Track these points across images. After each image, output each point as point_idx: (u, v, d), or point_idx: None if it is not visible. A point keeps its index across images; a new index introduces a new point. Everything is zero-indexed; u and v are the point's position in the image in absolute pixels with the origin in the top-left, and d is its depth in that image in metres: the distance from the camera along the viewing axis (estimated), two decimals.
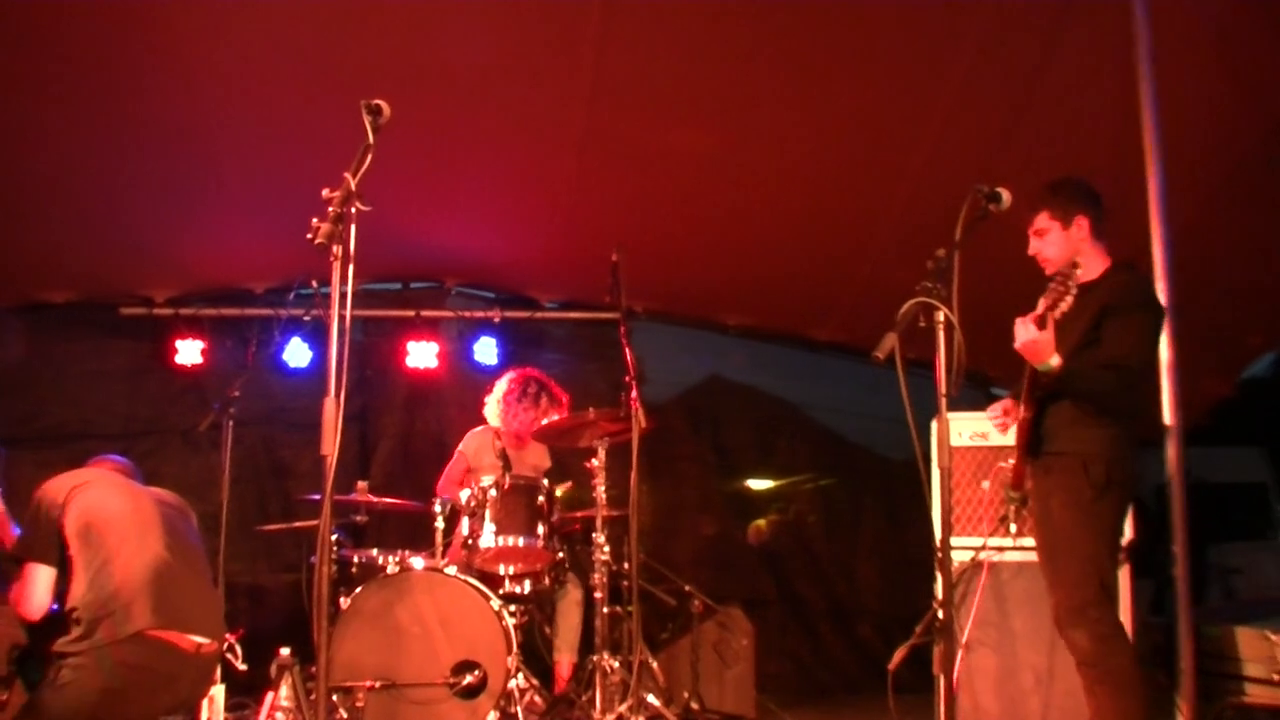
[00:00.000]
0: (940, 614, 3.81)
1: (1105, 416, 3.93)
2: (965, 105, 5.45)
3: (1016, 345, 3.77)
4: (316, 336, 7.51)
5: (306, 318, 7.40)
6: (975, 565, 4.90)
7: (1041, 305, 3.72)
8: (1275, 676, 4.90)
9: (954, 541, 4.77)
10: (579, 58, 5.30)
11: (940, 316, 3.36)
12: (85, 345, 7.92)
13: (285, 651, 5.06)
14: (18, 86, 5.33)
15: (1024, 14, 4.96)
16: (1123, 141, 4.72)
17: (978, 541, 4.90)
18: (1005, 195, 3.52)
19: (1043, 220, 4.10)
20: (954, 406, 3.53)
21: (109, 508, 4.07)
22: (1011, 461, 4.26)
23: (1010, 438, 4.80)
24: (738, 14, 5.05)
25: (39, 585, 3.95)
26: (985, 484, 4.97)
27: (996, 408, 4.30)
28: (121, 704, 3.76)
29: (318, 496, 3.59)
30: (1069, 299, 3.69)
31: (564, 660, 6.02)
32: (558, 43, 5.24)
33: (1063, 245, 4.08)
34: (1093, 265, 4.09)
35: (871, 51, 5.28)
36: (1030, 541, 4.84)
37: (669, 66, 5.40)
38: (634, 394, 5.15)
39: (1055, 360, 3.82)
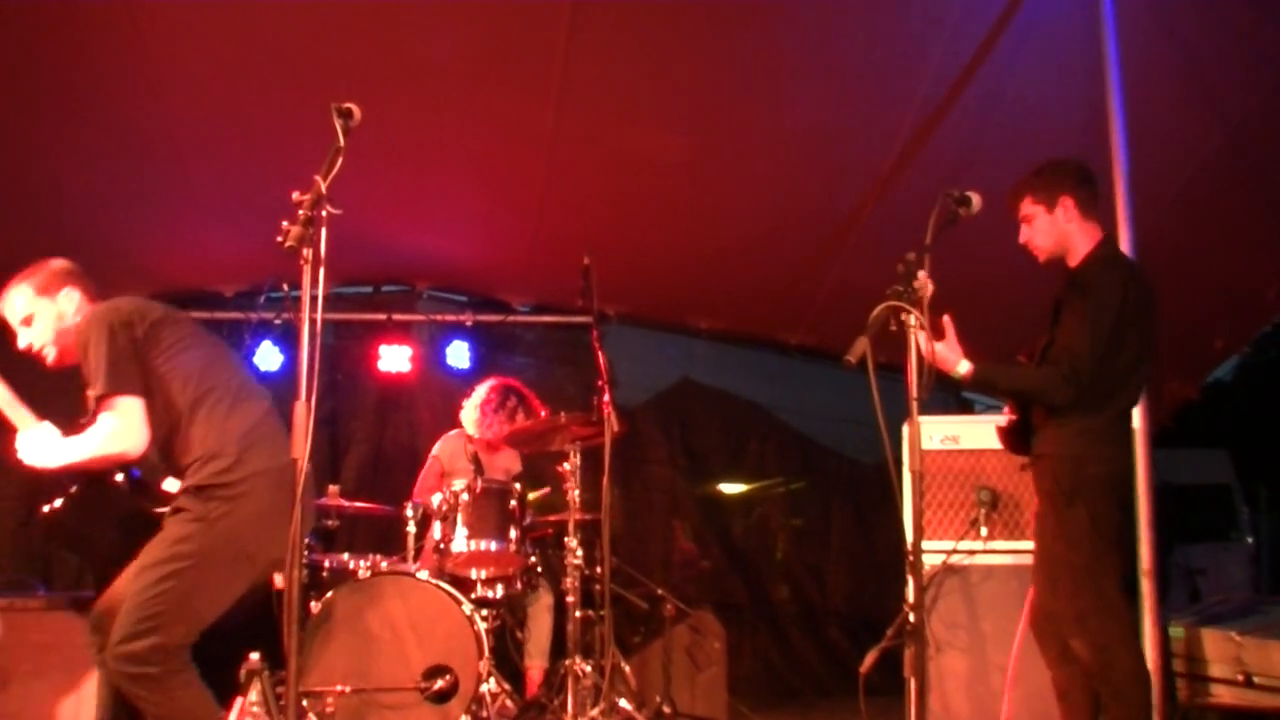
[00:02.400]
0: (911, 617, 3.82)
1: (1069, 414, 3.84)
2: (933, 109, 5.48)
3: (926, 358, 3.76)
4: (287, 340, 7.47)
5: (277, 321, 7.38)
6: (949, 569, 4.93)
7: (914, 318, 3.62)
8: (1240, 677, 4.95)
9: (925, 545, 4.80)
10: (548, 61, 5.30)
11: (911, 320, 3.38)
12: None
13: (254, 656, 5.02)
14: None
15: (990, 18, 5.00)
16: (1088, 145, 4.76)
17: (948, 545, 4.93)
18: (975, 199, 3.53)
19: (1027, 206, 4.02)
20: (925, 410, 3.55)
21: (202, 339, 3.96)
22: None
23: (985, 441, 4.86)
24: (706, 18, 5.06)
25: (140, 417, 3.66)
26: (988, 490, 4.97)
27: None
28: (279, 528, 3.72)
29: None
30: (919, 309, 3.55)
31: (535, 666, 6.01)
32: (527, 46, 5.24)
33: (1050, 230, 4.01)
34: (1079, 249, 4.01)
35: (840, 57, 5.31)
36: (1002, 545, 4.90)
37: (638, 70, 5.42)
38: (606, 398, 5.15)
39: (963, 367, 3.84)
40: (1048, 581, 3.98)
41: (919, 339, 3.40)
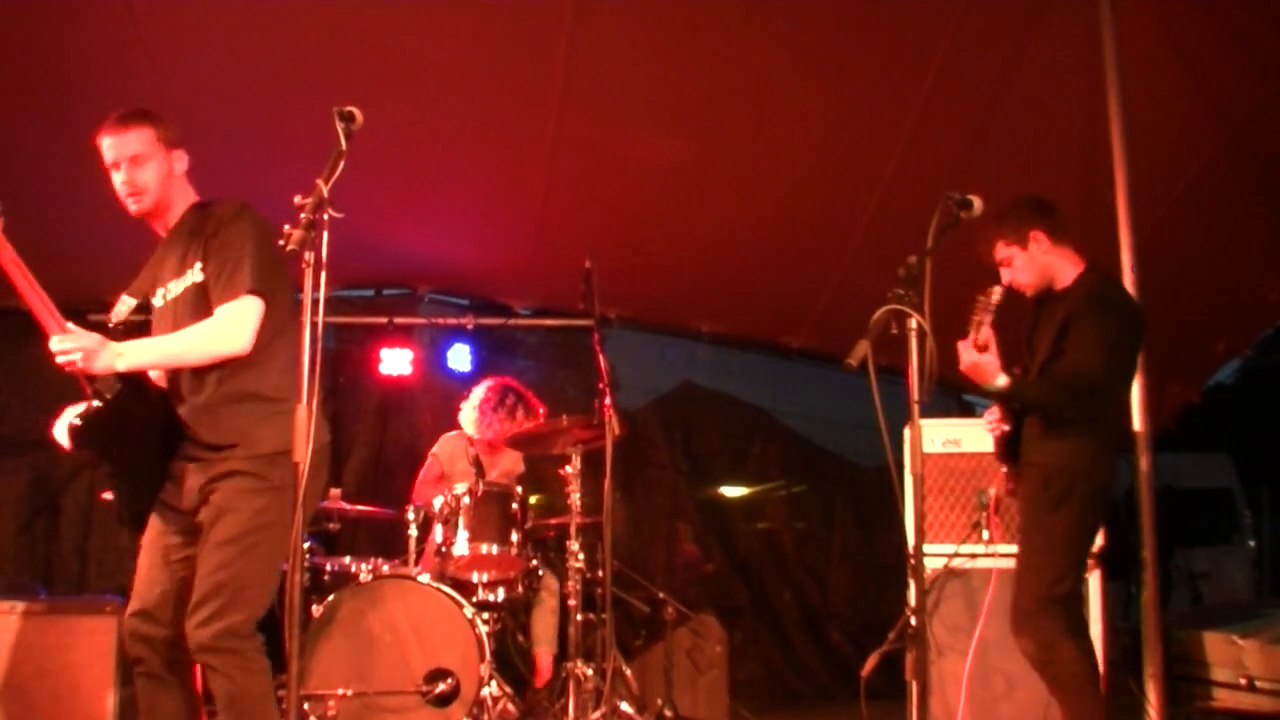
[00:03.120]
0: (913, 620, 3.82)
1: (1069, 428, 3.99)
2: (935, 113, 5.48)
3: (961, 368, 3.84)
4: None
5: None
6: (951, 573, 4.93)
7: (971, 329, 3.82)
8: (1242, 681, 4.95)
9: (926, 548, 4.79)
10: (550, 64, 5.31)
11: (912, 323, 3.37)
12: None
13: None
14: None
15: (992, 23, 5.00)
16: (1090, 149, 4.77)
17: (950, 548, 4.93)
18: (976, 202, 3.54)
19: (1001, 250, 4.17)
20: (926, 413, 3.54)
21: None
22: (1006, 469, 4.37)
23: (986, 444, 4.86)
24: (708, 22, 5.06)
25: (256, 322, 3.51)
26: (991, 491, 4.99)
27: (993, 412, 4.31)
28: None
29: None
30: (989, 318, 3.81)
31: (544, 652, 6.00)
32: (529, 49, 5.25)
33: (1030, 266, 4.15)
34: (1065, 273, 4.15)
35: (842, 60, 5.31)
36: (1004, 548, 4.90)
37: (640, 74, 5.42)
38: (607, 401, 5.15)
39: (1001, 380, 3.91)
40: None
41: (919, 344, 3.40)
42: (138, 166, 3.63)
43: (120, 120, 3.67)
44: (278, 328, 3.59)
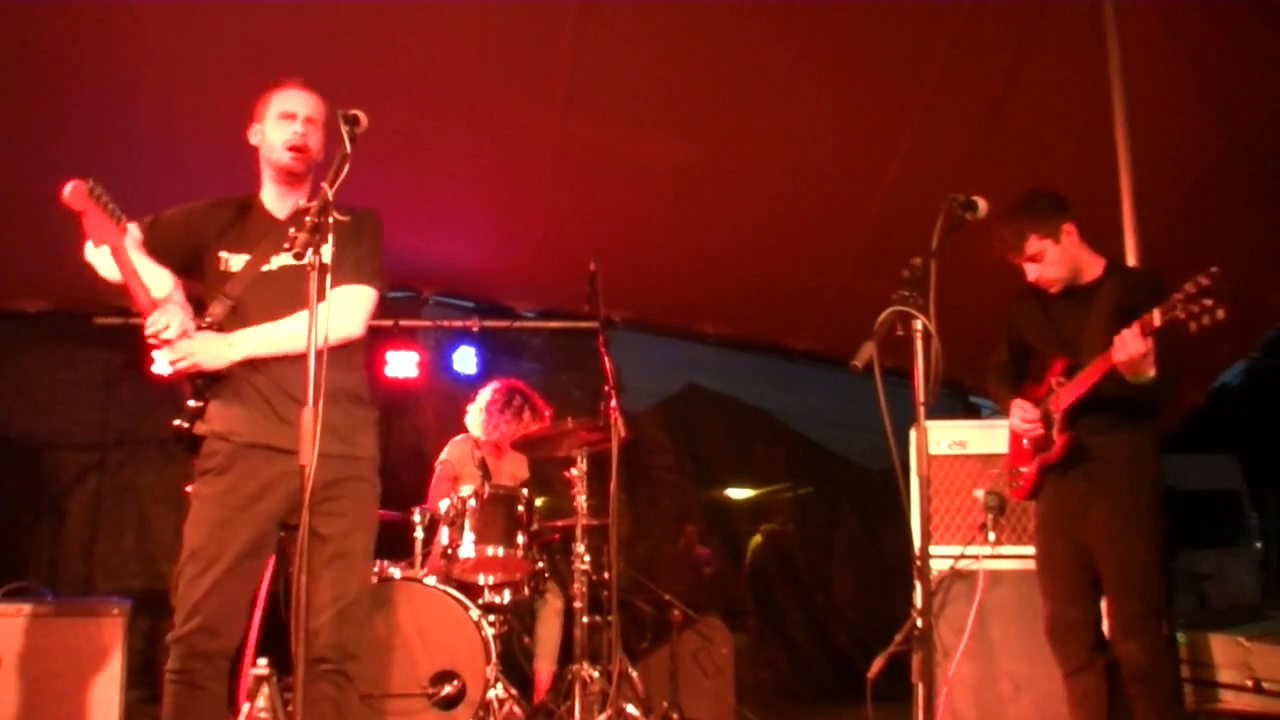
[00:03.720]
0: (919, 622, 3.81)
1: (1139, 419, 3.96)
2: (938, 114, 5.48)
3: (1119, 358, 3.71)
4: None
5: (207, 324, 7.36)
6: (957, 574, 4.92)
7: (1158, 315, 3.62)
8: (1249, 683, 4.93)
9: (932, 550, 4.78)
10: (553, 67, 5.31)
11: (918, 325, 3.37)
12: (58, 354, 7.89)
13: (262, 662, 5.03)
14: None
15: (995, 24, 5.00)
16: (1094, 151, 4.76)
17: (956, 550, 4.93)
18: (981, 204, 3.52)
19: (1034, 245, 4.05)
20: (932, 415, 3.53)
21: None
22: (1025, 470, 4.25)
23: (992, 445, 4.85)
24: (711, 24, 5.07)
25: (370, 312, 3.62)
26: (979, 493, 4.97)
27: (1030, 411, 4.19)
28: None
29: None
30: (1224, 306, 3.53)
31: (543, 669, 6.01)
32: (531, 52, 5.25)
33: (1062, 259, 4.06)
34: (1091, 265, 4.11)
35: (844, 61, 5.31)
36: (1010, 550, 4.89)
37: (643, 76, 5.42)
38: (613, 403, 5.15)
39: (1152, 371, 3.74)
40: (1073, 589, 4.02)
41: (925, 345, 3.40)
42: (314, 127, 3.60)
43: (307, 84, 3.66)
44: (367, 336, 3.65)
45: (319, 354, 3.35)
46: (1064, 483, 4.10)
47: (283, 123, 3.58)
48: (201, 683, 3.42)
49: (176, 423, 3.56)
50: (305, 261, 3.10)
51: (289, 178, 3.62)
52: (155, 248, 3.63)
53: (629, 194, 6.41)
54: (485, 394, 6.43)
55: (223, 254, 3.62)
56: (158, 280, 3.51)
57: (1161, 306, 3.62)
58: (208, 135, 5.80)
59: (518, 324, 8.37)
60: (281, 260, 3.54)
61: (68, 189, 3.28)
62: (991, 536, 4.89)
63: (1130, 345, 3.67)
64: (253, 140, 3.69)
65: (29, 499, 7.62)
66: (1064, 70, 5.19)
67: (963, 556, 4.90)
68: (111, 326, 7.92)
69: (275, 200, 3.69)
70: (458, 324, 8.21)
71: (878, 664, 4.39)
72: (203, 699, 3.43)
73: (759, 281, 7.42)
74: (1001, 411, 4.45)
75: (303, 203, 3.51)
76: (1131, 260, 4.79)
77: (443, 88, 5.48)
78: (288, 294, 3.47)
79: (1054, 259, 4.06)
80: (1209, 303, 3.53)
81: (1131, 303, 3.83)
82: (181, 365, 3.44)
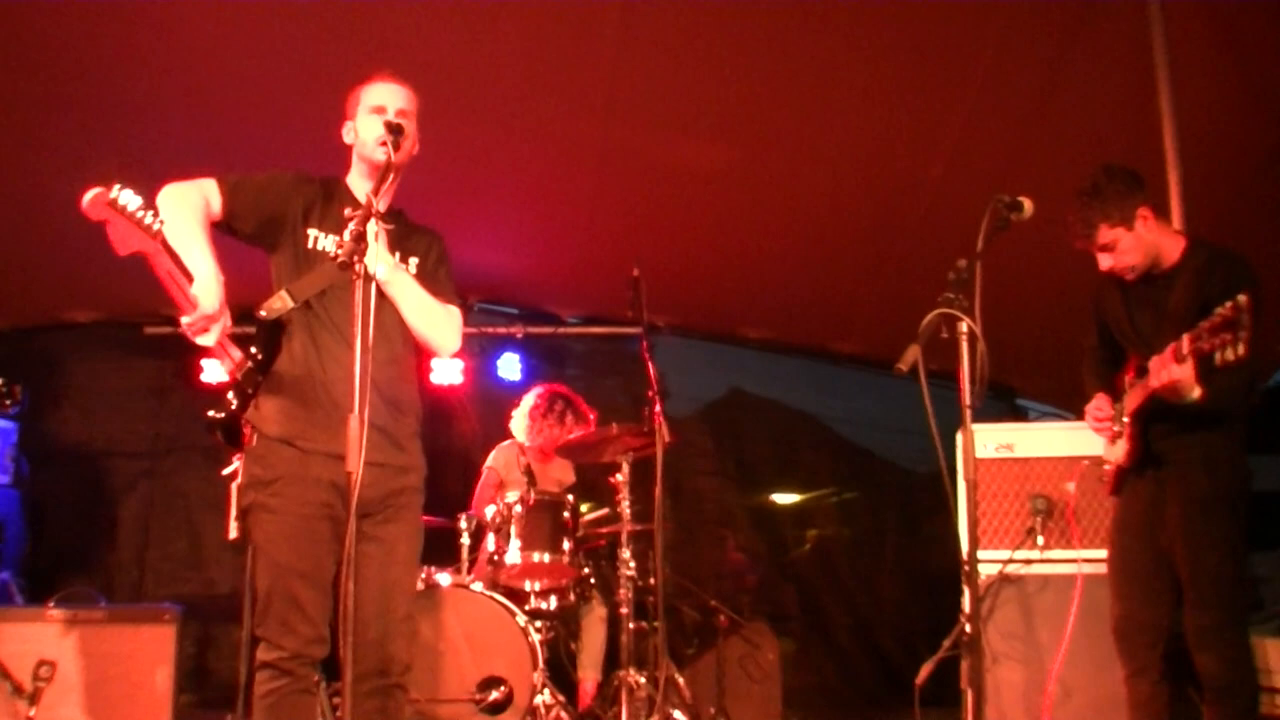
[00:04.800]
0: (968, 628, 3.78)
1: (1212, 421, 3.77)
2: (982, 115, 5.44)
3: (1156, 384, 3.63)
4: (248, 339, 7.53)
5: (264, 314, 7.42)
6: (1005, 579, 4.88)
7: (1187, 342, 3.51)
8: None
9: (980, 554, 4.75)
10: (596, 73, 5.32)
11: (963, 327, 3.34)
12: (109, 364, 8.00)
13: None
14: (34, 108, 5.39)
15: (1039, 23, 4.96)
16: (1140, 148, 4.71)
17: (1005, 554, 4.88)
18: (1027, 204, 3.48)
19: (1105, 234, 3.81)
20: (978, 418, 3.50)
21: None
22: (1108, 466, 4.11)
23: (1039, 449, 4.79)
24: (753, 28, 5.06)
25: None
26: (1070, 486, 4.89)
27: (1104, 409, 4.05)
28: None
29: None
30: (1243, 338, 3.36)
31: (588, 678, 6.01)
32: (574, 60, 5.27)
33: (1138, 247, 3.82)
34: (1170, 248, 3.87)
35: (886, 62, 5.28)
36: (1057, 554, 4.83)
37: (685, 81, 5.42)
38: (657, 408, 5.15)
39: (1196, 393, 3.62)
40: (1148, 591, 3.91)
41: (970, 348, 3.37)
42: (405, 118, 3.53)
43: (397, 76, 3.62)
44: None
45: (394, 361, 3.45)
46: (1139, 484, 3.97)
47: (374, 117, 3.50)
48: (310, 686, 3.39)
49: (213, 414, 3.39)
50: (353, 268, 3.06)
51: (391, 169, 3.44)
52: (235, 210, 3.54)
53: (672, 199, 6.41)
54: (529, 399, 6.45)
55: (311, 231, 3.52)
56: (206, 282, 3.30)
57: (1190, 334, 3.50)
58: (251, 147, 5.86)
59: (561, 330, 8.39)
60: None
61: (86, 198, 3.18)
62: (1040, 540, 4.85)
63: (1167, 371, 3.56)
64: (346, 139, 3.64)
65: (82, 506, 7.73)
66: (1109, 67, 5.13)
67: (1011, 561, 4.85)
68: (161, 335, 8.02)
69: (363, 192, 3.55)
70: (502, 331, 8.25)
71: (926, 670, 4.37)
72: (310, 701, 3.41)
73: (803, 285, 7.39)
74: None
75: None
76: None
77: (486, 96, 5.50)
78: (384, 296, 3.46)
79: (1128, 247, 3.81)
80: (1228, 336, 3.38)
81: (1205, 296, 3.64)
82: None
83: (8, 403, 4.82)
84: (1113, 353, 4.18)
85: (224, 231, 3.56)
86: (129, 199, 3.18)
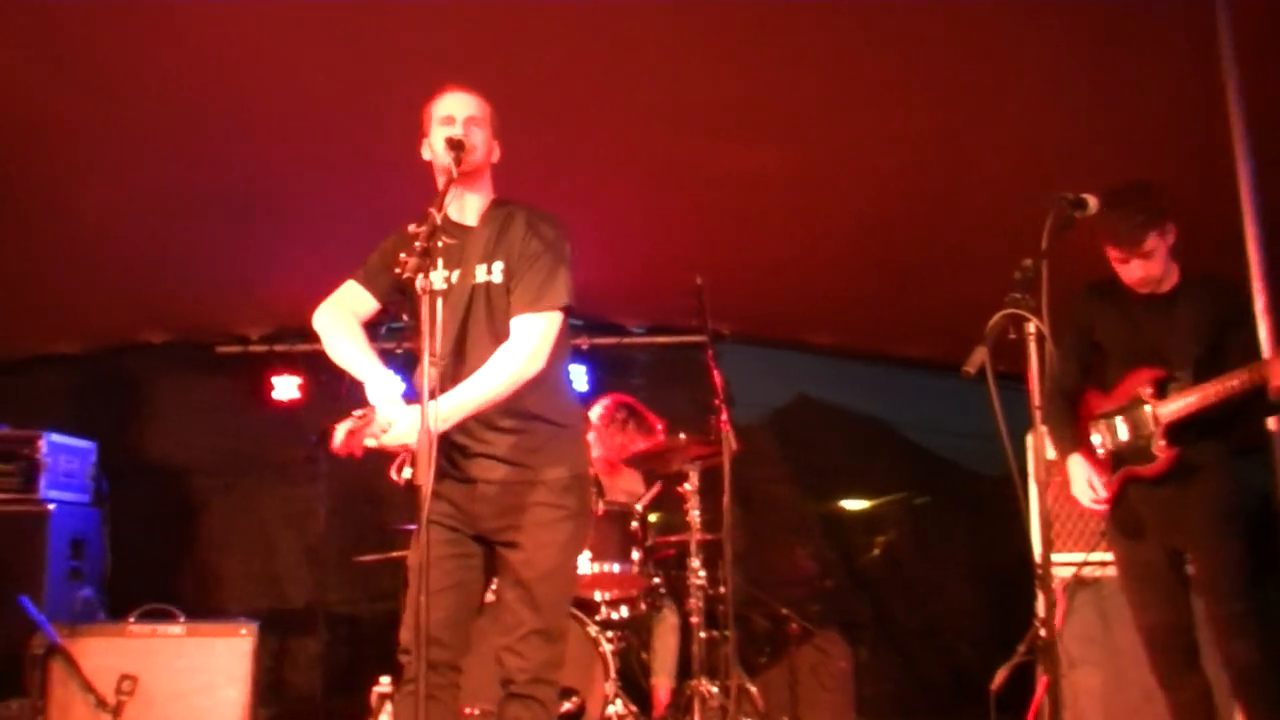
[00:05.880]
0: (1042, 633, 3.75)
1: (1236, 423, 3.88)
2: (1045, 111, 5.37)
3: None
4: (408, 368, 7.59)
5: (398, 350, 7.52)
6: (1080, 582, 4.81)
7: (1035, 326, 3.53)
8: None
9: (1054, 557, 4.69)
10: (651, 82, 5.32)
11: (1030, 328, 3.31)
12: (183, 383, 8.15)
13: (385, 680, 5.13)
14: (107, 133, 5.50)
15: (1101, 17, 4.88)
16: (1207, 140, 4.61)
17: (1079, 557, 4.82)
18: (1091, 201, 3.45)
19: (1151, 242, 3.92)
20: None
21: None
22: (1101, 480, 4.14)
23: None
24: (809, 32, 5.03)
25: (553, 338, 3.53)
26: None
27: (1098, 480, 4.14)
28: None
29: (414, 526, 3.61)
30: None
31: (661, 684, 6.00)
32: (628, 69, 5.27)
33: (1164, 259, 3.98)
34: (1171, 272, 4.04)
35: (945, 63, 5.23)
36: None
37: (741, 86, 5.40)
38: (724, 417, 5.15)
39: None
40: (1172, 595, 3.98)
41: (1038, 348, 3.34)
42: (475, 126, 3.58)
43: (464, 85, 3.66)
44: (562, 350, 3.63)
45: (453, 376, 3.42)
46: (1155, 489, 4.00)
47: (443, 128, 3.55)
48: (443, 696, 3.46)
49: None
50: (481, 280, 3.13)
51: (463, 181, 3.51)
52: (380, 295, 3.70)
53: (732, 206, 6.40)
54: (595, 411, 6.47)
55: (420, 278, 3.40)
56: (382, 384, 3.43)
57: None
58: (315, 166, 5.95)
59: (626, 340, 8.40)
60: (477, 278, 3.55)
61: (338, 443, 3.33)
62: None
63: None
64: (424, 156, 3.67)
65: (160, 523, 7.87)
66: (1174, 59, 5.04)
67: (1085, 564, 4.79)
68: (232, 355, 8.16)
69: (458, 210, 3.63)
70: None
71: (1001, 676, 4.32)
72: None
73: (868, 289, 7.34)
74: (1058, 456, 4.28)
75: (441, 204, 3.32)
76: (1254, 259, 4.62)
77: (542, 108, 5.52)
78: (489, 307, 3.52)
79: (1159, 259, 3.95)
80: None
81: (1224, 315, 3.84)
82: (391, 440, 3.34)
83: None
84: (1076, 376, 4.27)
85: (383, 319, 3.75)
86: (365, 412, 3.35)
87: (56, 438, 6.63)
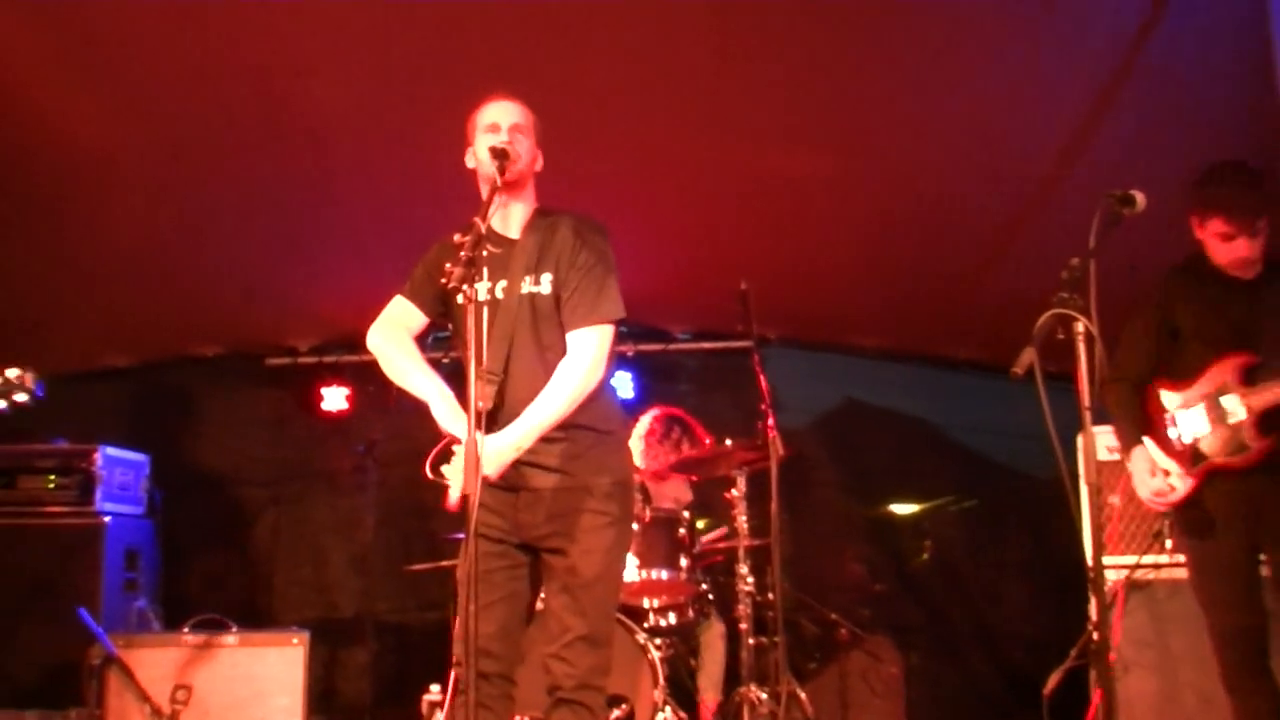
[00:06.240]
0: (1095, 636, 3.70)
1: None
2: (1090, 108, 5.32)
3: None
4: (455, 378, 7.63)
5: (445, 360, 7.56)
6: (1133, 585, 4.75)
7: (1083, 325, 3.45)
8: None
9: (1106, 560, 4.63)
10: (694, 87, 5.32)
11: (1079, 327, 3.28)
12: (234, 395, 8.24)
13: (435, 689, 5.15)
14: (156, 151, 5.57)
15: (1149, 9, 4.82)
16: (1257, 144, 4.55)
17: (1131, 559, 4.76)
18: (1139, 198, 3.40)
19: (1261, 225, 3.84)
20: (1099, 420, 3.43)
21: None
22: (1179, 472, 3.99)
23: None
24: (849, 34, 5.02)
25: (608, 350, 3.60)
26: (1114, 499, 4.78)
27: (1163, 474, 4.00)
28: None
29: (461, 535, 3.63)
30: None
31: (708, 698, 5.98)
32: (672, 74, 5.27)
33: (1264, 245, 3.88)
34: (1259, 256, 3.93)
35: (988, 62, 5.19)
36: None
37: (784, 89, 5.38)
38: (770, 422, 5.13)
39: None
40: (1249, 595, 3.86)
41: (1087, 348, 3.30)
42: (520, 134, 3.60)
43: (509, 93, 3.69)
44: (609, 359, 3.64)
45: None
46: (1242, 482, 3.85)
47: (488, 136, 3.57)
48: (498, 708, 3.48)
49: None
50: (528, 290, 3.15)
51: (507, 189, 3.53)
52: (426, 309, 3.75)
53: (776, 209, 6.37)
54: (644, 422, 6.44)
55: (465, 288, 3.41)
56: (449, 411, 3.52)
57: None
58: (361, 180, 5.99)
59: (672, 347, 8.39)
60: (524, 289, 3.56)
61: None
62: (1168, 544, 4.71)
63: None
64: (469, 164, 3.69)
65: (212, 534, 7.96)
66: (1223, 53, 4.97)
67: (1138, 566, 4.73)
68: (281, 367, 8.23)
69: (502, 220, 3.64)
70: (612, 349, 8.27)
71: (1054, 680, 4.28)
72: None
73: (915, 291, 7.29)
74: (1120, 447, 4.18)
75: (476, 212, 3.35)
76: None
77: (585, 117, 5.54)
78: (535, 317, 3.54)
79: (1262, 240, 3.84)
80: None
81: None
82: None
83: (16, 394, 4.78)
84: (1149, 362, 4.12)
85: (430, 330, 3.80)
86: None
87: (112, 450, 6.73)
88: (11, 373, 4.36)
